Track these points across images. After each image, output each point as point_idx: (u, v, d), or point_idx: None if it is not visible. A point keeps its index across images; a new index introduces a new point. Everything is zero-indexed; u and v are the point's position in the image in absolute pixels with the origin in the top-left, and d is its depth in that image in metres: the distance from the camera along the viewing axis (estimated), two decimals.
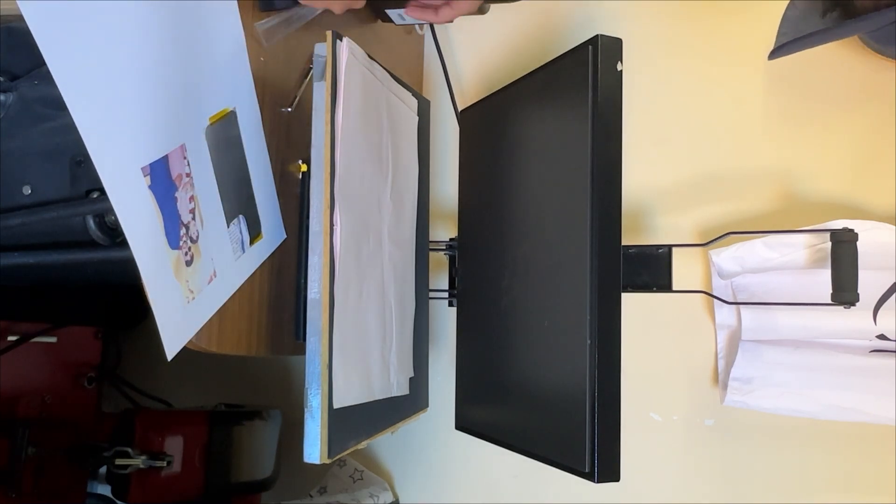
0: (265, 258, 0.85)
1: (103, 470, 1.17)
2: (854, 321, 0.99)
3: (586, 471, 0.73)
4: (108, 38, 0.55)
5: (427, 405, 1.07)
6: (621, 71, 0.77)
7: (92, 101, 0.53)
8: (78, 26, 0.51)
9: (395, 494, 1.34)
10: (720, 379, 1.13)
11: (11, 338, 1.10)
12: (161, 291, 0.64)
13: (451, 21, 0.85)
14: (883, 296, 0.99)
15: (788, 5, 0.77)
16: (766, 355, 1.04)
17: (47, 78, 0.78)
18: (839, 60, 1.06)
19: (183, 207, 0.68)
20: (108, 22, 0.54)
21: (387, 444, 1.36)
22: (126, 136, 0.58)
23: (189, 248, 0.69)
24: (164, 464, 1.13)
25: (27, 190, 0.80)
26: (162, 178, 0.64)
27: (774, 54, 0.77)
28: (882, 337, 1.00)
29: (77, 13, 0.51)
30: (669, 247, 0.93)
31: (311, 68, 0.83)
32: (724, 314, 1.13)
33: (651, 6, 1.20)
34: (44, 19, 0.48)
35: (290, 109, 0.88)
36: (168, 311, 0.65)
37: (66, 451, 1.14)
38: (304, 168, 0.90)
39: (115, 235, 0.78)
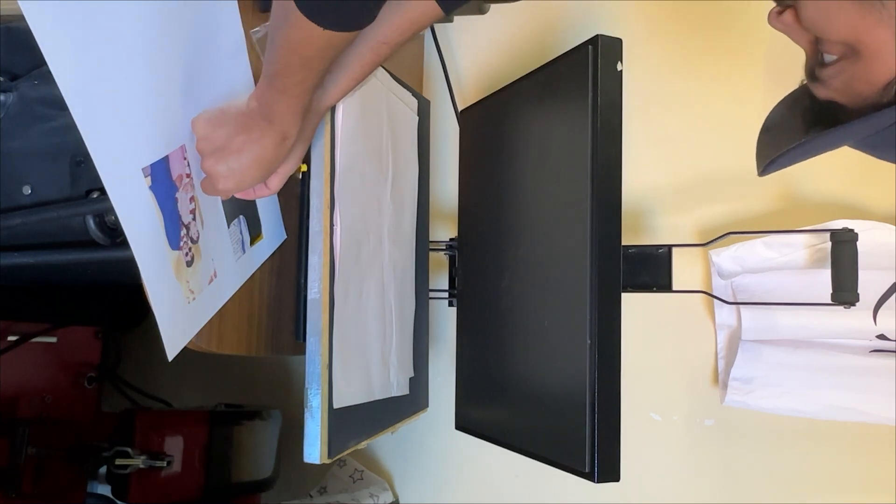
0: (265, 259, 0.85)
1: (103, 470, 1.16)
2: (854, 321, 0.99)
3: (586, 471, 0.73)
4: (109, 38, 0.54)
5: (427, 405, 1.07)
6: (621, 71, 0.77)
7: (92, 101, 0.53)
8: (78, 27, 0.51)
9: (395, 494, 1.34)
10: (720, 379, 1.13)
11: (11, 338, 1.10)
12: (161, 292, 0.64)
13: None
14: (883, 296, 0.99)
15: (761, 129, 0.73)
16: (766, 355, 1.05)
17: (47, 78, 0.78)
18: None
19: (183, 208, 0.68)
20: (108, 22, 0.54)
21: (387, 444, 1.36)
22: (127, 137, 0.58)
23: (190, 249, 0.69)
24: (164, 464, 1.13)
25: (27, 190, 0.80)
26: (163, 178, 0.64)
27: (766, 172, 0.73)
28: (882, 337, 1.01)
29: (77, 14, 0.51)
30: (669, 247, 0.93)
31: None
32: (724, 314, 1.13)
33: (651, 6, 1.20)
34: (44, 19, 0.48)
35: None
36: (168, 311, 0.65)
37: (66, 451, 1.14)
38: (304, 168, 0.90)
39: (115, 235, 0.77)
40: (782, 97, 0.69)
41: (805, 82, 0.61)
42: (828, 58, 0.54)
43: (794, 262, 1.00)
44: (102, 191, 0.68)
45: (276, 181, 0.73)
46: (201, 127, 0.65)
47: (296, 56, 0.59)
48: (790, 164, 0.68)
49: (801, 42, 0.57)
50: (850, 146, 0.67)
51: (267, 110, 0.65)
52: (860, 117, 0.54)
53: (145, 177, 0.61)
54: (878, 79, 0.51)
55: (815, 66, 0.56)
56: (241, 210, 0.79)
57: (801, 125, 0.65)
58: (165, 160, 0.64)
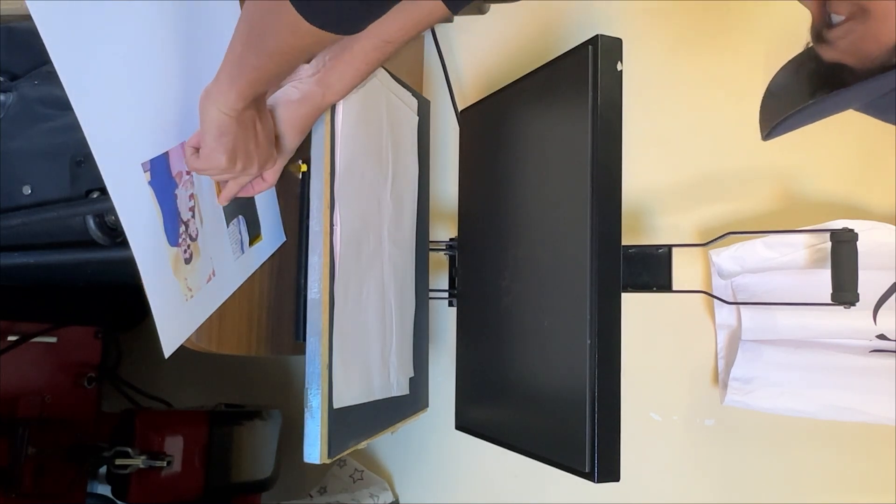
0: (264, 260, 0.85)
1: (103, 470, 1.16)
2: (854, 321, 0.99)
3: (586, 471, 0.73)
4: (113, 36, 0.55)
5: (427, 405, 1.07)
6: (621, 71, 0.77)
7: (95, 96, 0.54)
8: (83, 25, 0.51)
9: (395, 494, 1.34)
10: (720, 379, 1.13)
11: (11, 338, 1.10)
12: (159, 288, 0.64)
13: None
14: (883, 296, 0.99)
15: (765, 94, 0.72)
16: (766, 355, 1.04)
17: (47, 78, 0.78)
18: None
19: (183, 205, 0.68)
20: (112, 21, 0.54)
21: (387, 444, 1.36)
22: (127, 132, 0.58)
23: (188, 246, 0.69)
24: (164, 464, 1.13)
25: (27, 190, 0.80)
26: (162, 174, 0.64)
27: (770, 136, 0.72)
28: (882, 337, 1.00)
29: (82, 12, 0.51)
30: (669, 247, 0.93)
31: None
32: (724, 314, 1.13)
33: (651, 6, 1.20)
34: (50, 17, 0.48)
35: None
36: (166, 308, 0.65)
37: (66, 451, 1.13)
38: (304, 168, 0.90)
39: (115, 235, 0.77)
40: (785, 62, 0.68)
41: (810, 45, 0.60)
42: (835, 18, 0.54)
43: (794, 262, 1.00)
44: (102, 191, 0.68)
45: (272, 174, 0.74)
46: (204, 160, 0.66)
47: (290, 55, 0.60)
48: (795, 128, 0.67)
49: (807, 4, 0.56)
50: (856, 109, 0.66)
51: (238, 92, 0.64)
52: (867, 79, 0.53)
53: (144, 171, 0.61)
54: (887, 39, 0.50)
55: (822, 28, 0.56)
56: (241, 210, 0.79)
57: (807, 88, 0.63)
58: (165, 156, 0.64)
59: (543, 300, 0.84)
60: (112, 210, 0.58)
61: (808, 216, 1.06)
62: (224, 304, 0.77)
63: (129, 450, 1.12)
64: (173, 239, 0.66)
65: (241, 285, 0.81)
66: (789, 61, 0.68)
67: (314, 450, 0.73)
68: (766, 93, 0.69)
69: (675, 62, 1.19)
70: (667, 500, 1.16)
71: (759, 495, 1.11)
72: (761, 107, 0.69)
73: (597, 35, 0.77)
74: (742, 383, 1.06)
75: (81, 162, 0.78)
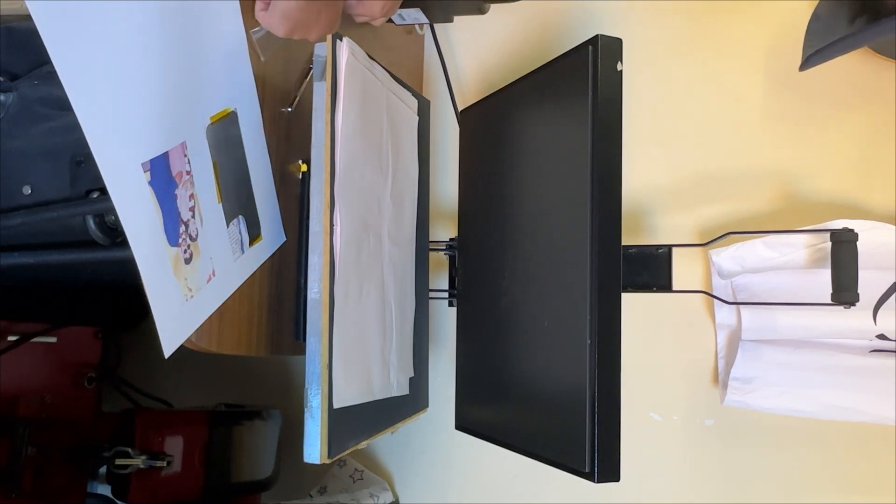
0: (264, 260, 0.85)
1: (103, 470, 1.16)
2: (854, 321, 0.99)
3: (586, 471, 0.73)
4: (113, 35, 0.55)
5: (427, 405, 1.07)
6: (621, 71, 0.77)
7: (95, 96, 0.54)
8: (84, 24, 0.51)
9: (395, 494, 1.34)
10: (720, 379, 1.13)
11: (11, 338, 1.10)
12: (159, 288, 0.64)
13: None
14: (883, 296, 0.99)
15: (812, 17, 0.72)
16: (766, 355, 1.04)
17: (47, 78, 0.79)
18: (839, 61, 1.06)
19: (183, 205, 0.68)
20: (112, 21, 0.54)
21: (387, 444, 1.36)
22: (127, 132, 0.58)
23: (188, 246, 0.69)
24: (164, 464, 1.13)
25: (27, 190, 0.80)
26: (162, 174, 0.64)
27: (805, 65, 0.71)
28: (882, 337, 1.00)
29: (82, 12, 0.51)
30: (669, 247, 0.93)
31: (311, 68, 0.83)
32: (724, 314, 1.13)
33: (651, 6, 1.20)
34: (50, 17, 0.48)
35: (290, 109, 0.88)
36: (166, 308, 0.65)
37: (66, 451, 1.13)
38: (304, 168, 0.90)
39: (115, 235, 0.78)
40: None
41: None
42: None
43: (794, 262, 1.00)
44: (102, 191, 0.68)
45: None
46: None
47: None
48: (830, 58, 0.66)
49: None
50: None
51: None
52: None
53: (144, 171, 0.61)
54: None
55: None
56: (241, 210, 0.79)
57: (848, 14, 0.63)
58: (165, 156, 0.64)
59: (543, 300, 0.84)
60: (112, 210, 0.58)
61: (808, 216, 1.06)
62: (224, 304, 0.77)
63: (129, 450, 1.12)
64: (173, 239, 0.66)
65: (241, 285, 0.81)
66: None
67: (314, 450, 0.73)
68: (812, 15, 0.68)
69: (676, 62, 1.19)
70: (667, 500, 1.16)
71: (759, 495, 1.11)
72: (807, 30, 0.69)
73: (597, 35, 0.77)
74: (742, 383, 1.06)
75: (81, 162, 0.78)
